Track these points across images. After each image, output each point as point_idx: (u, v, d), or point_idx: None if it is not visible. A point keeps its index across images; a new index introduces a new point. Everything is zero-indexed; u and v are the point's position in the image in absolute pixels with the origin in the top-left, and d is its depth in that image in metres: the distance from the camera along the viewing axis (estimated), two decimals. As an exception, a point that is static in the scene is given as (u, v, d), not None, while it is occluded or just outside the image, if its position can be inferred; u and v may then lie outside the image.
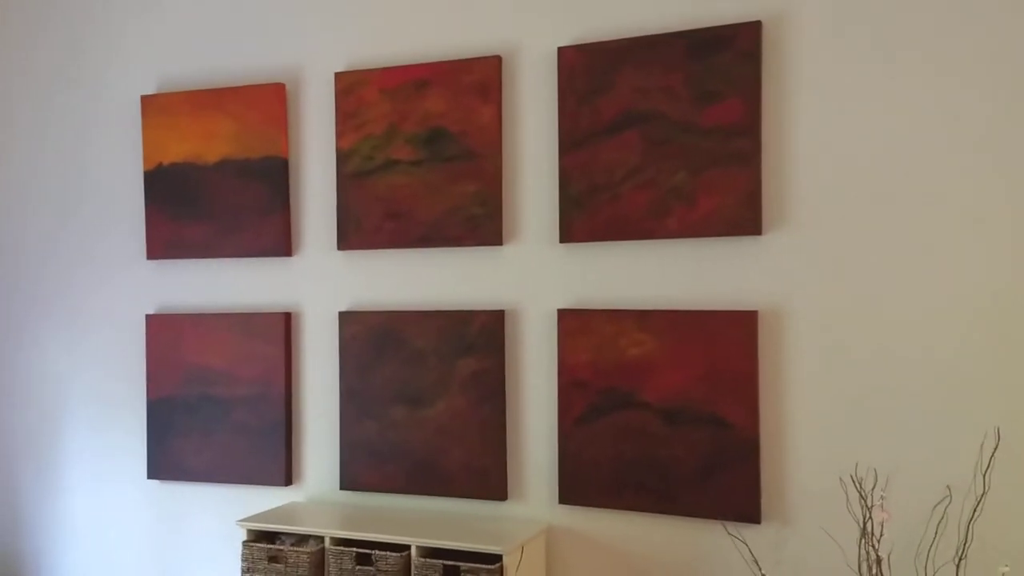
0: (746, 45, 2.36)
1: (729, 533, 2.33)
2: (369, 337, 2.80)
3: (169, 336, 3.05)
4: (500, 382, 2.64)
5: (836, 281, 2.31)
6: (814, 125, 2.33)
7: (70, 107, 3.26)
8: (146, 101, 3.08)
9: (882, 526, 2.10)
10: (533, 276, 2.64)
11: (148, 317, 3.10)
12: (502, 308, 2.67)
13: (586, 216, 2.53)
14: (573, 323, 2.56)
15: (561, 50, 2.56)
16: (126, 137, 3.15)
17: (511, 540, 2.43)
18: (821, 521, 2.29)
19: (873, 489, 2.15)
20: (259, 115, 2.92)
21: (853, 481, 2.19)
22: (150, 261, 3.11)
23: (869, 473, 2.20)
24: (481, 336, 2.66)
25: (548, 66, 2.60)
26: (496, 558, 2.37)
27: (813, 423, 2.33)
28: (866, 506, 2.13)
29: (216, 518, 3.00)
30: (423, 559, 2.43)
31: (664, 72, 2.44)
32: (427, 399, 2.72)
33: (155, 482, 3.11)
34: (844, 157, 2.30)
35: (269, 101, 2.91)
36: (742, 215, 2.36)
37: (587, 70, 2.52)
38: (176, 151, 3.03)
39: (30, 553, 3.33)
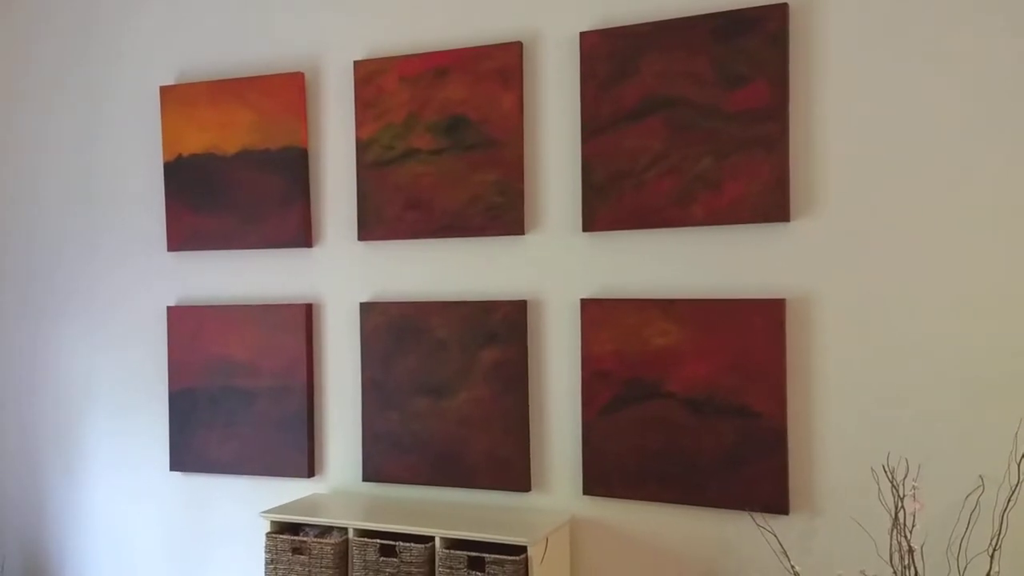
0: (773, 28, 2.31)
1: (757, 524, 2.29)
2: (391, 328, 2.78)
3: (190, 328, 3.05)
4: (523, 372, 2.62)
5: (866, 268, 2.27)
6: (843, 109, 2.28)
7: (89, 98, 3.26)
8: (165, 92, 3.07)
9: (914, 516, 2.06)
10: (556, 265, 2.62)
11: (169, 309, 3.09)
12: (524, 298, 2.64)
13: (609, 204, 2.50)
14: (597, 313, 2.53)
15: (583, 35, 2.52)
16: (145, 128, 3.14)
17: (535, 531, 2.41)
18: (851, 511, 2.25)
19: (905, 479, 2.11)
20: (278, 105, 2.90)
21: (885, 471, 2.15)
22: (170, 253, 3.11)
23: (900, 463, 2.16)
24: (503, 326, 2.64)
25: (570, 51, 2.57)
26: (521, 549, 2.35)
27: (842, 412, 2.29)
28: (898, 496, 2.09)
29: (239, 510, 3.01)
30: (447, 551, 2.42)
31: (688, 56, 2.40)
32: (449, 390, 2.70)
33: (177, 473, 3.11)
34: (874, 142, 2.26)
35: (288, 91, 2.89)
36: (769, 201, 2.32)
37: (610, 55, 2.49)
38: (195, 142, 3.02)
39: (53, 544, 3.35)
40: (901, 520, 2.07)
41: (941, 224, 2.20)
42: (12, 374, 3.42)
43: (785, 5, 2.31)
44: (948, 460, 2.18)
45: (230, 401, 2.99)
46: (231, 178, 2.98)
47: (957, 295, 2.19)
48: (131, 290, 3.20)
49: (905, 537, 2.06)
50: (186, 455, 3.07)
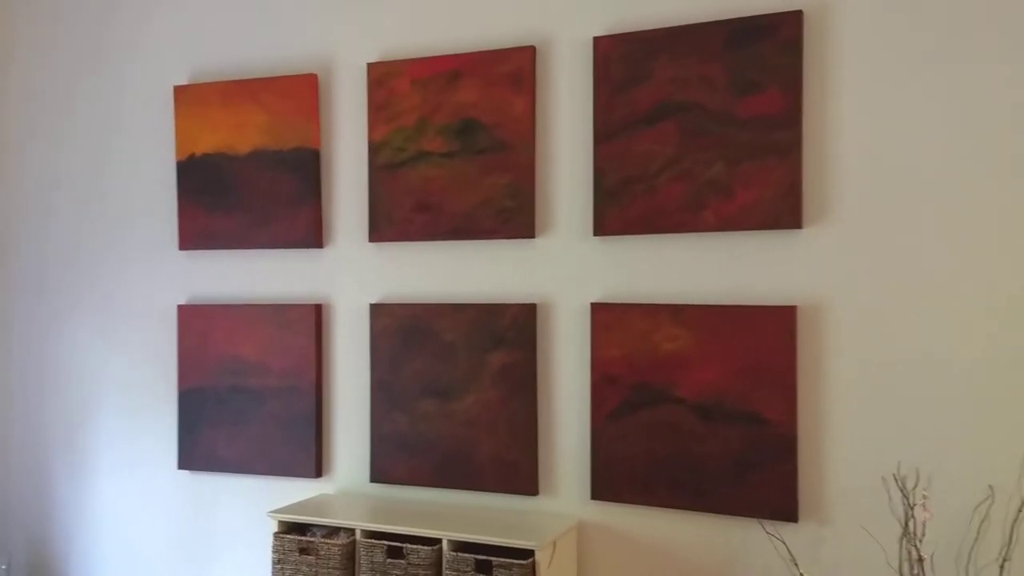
0: (787, 35, 2.31)
1: (766, 531, 2.29)
2: (399, 330, 2.78)
3: (200, 327, 3.06)
4: (531, 376, 2.62)
5: (878, 276, 2.27)
6: (857, 117, 2.28)
7: (103, 97, 3.27)
8: (179, 91, 3.08)
9: (924, 525, 2.06)
10: (566, 269, 2.62)
11: (180, 307, 3.10)
12: (534, 301, 2.64)
13: (620, 208, 2.50)
14: (606, 317, 2.53)
15: (597, 40, 2.52)
16: (158, 127, 3.15)
17: (543, 535, 2.41)
18: (861, 520, 2.25)
19: (915, 488, 2.11)
20: (291, 106, 2.91)
21: (895, 479, 2.14)
22: (182, 251, 3.12)
23: (911, 472, 2.16)
24: (512, 329, 2.64)
25: (583, 56, 2.57)
26: (528, 553, 2.35)
27: (853, 420, 2.29)
28: (908, 505, 2.09)
29: (246, 509, 3.01)
30: (455, 553, 2.42)
31: (702, 62, 2.40)
32: (457, 392, 2.70)
33: (185, 472, 3.12)
34: (888, 149, 2.26)
35: (301, 92, 2.90)
36: (781, 208, 2.32)
37: (623, 60, 2.49)
38: (208, 142, 3.03)
39: (60, 542, 3.36)
40: (911, 529, 2.07)
41: (954, 233, 2.20)
42: (22, 371, 3.43)
43: (799, 12, 2.31)
44: (958, 469, 2.17)
45: (239, 400, 2.99)
46: (243, 178, 2.98)
47: (970, 304, 2.18)
48: (142, 288, 3.21)
49: (915, 546, 2.05)
50: (194, 454, 3.07)
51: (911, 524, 2.07)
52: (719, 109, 2.38)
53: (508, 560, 2.34)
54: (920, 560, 2.04)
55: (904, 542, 2.07)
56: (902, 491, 2.11)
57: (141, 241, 3.21)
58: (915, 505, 2.07)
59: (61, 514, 3.36)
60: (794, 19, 2.31)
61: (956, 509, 2.15)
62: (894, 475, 2.15)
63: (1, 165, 3.46)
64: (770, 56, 2.33)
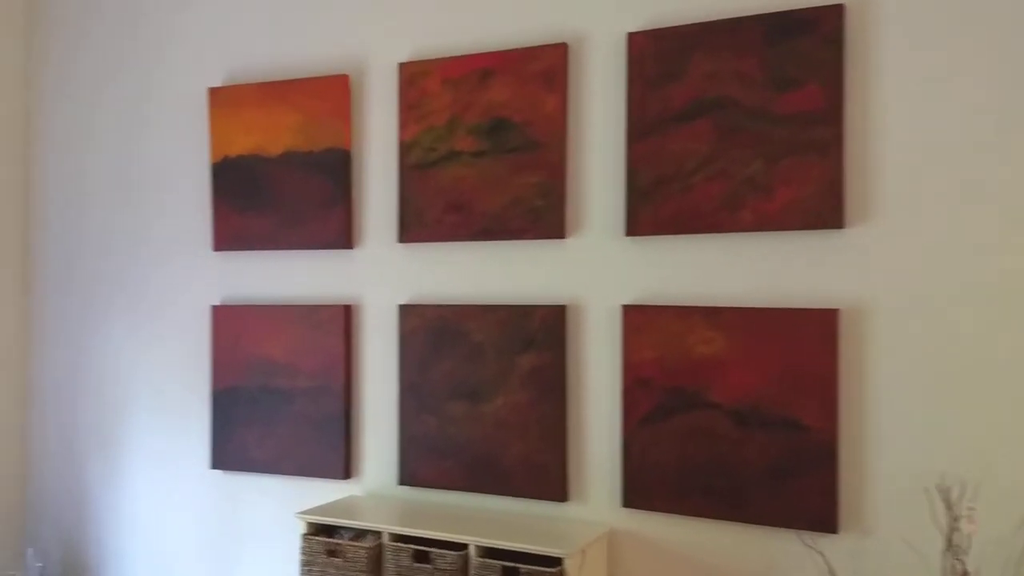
0: (828, 30, 2.24)
1: (804, 543, 2.21)
2: (429, 331, 2.75)
3: (234, 327, 3.06)
4: (561, 379, 2.57)
5: (923, 278, 2.17)
6: (901, 112, 2.20)
7: (138, 99, 3.30)
8: (213, 93, 3.09)
9: (969, 538, 1.96)
10: (597, 270, 2.56)
11: (214, 308, 3.11)
12: (564, 303, 2.59)
13: (654, 208, 2.44)
14: (639, 319, 2.47)
15: (631, 36, 2.47)
16: (193, 129, 3.17)
17: (572, 543, 2.35)
18: (903, 532, 2.15)
19: (960, 499, 2.01)
20: (323, 107, 2.90)
21: (939, 490, 2.05)
22: (216, 252, 3.13)
23: (956, 482, 2.06)
24: (542, 331, 2.59)
25: (616, 52, 2.52)
26: (557, 561, 2.30)
27: (896, 427, 2.20)
28: (952, 517, 1.99)
29: (276, 509, 3.00)
30: (482, 559, 2.37)
31: (739, 58, 2.33)
32: (486, 395, 2.66)
33: (218, 472, 3.12)
34: (933, 146, 2.17)
35: (333, 92, 2.89)
36: (822, 207, 2.24)
37: (657, 56, 2.43)
38: (242, 143, 3.04)
39: (93, 540, 3.39)
40: (955, 542, 1.97)
41: (1002, 233, 2.10)
42: (57, 370, 3.48)
43: (841, 6, 2.23)
44: (1005, 480, 2.07)
45: (270, 401, 2.99)
46: (275, 179, 2.99)
47: (1018, 307, 2.08)
48: (177, 289, 3.23)
49: (959, 560, 1.96)
50: (227, 454, 3.08)
51: (955, 537, 1.97)
52: (756, 105, 2.31)
53: (536, 568, 2.29)
54: (965, 574, 1.95)
55: (948, 556, 1.98)
56: (946, 502, 2.02)
57: (176, 242, 3.23)
58: (959, 517, 1.98)
59: (94, 512, 3.39)
60: (835, 13, 2.23)
61: (1003, 521, 2.05)
62: (938, 485, 2.06)
63: (38, 167, 3.52)
64: (810, 51, 2.26)
